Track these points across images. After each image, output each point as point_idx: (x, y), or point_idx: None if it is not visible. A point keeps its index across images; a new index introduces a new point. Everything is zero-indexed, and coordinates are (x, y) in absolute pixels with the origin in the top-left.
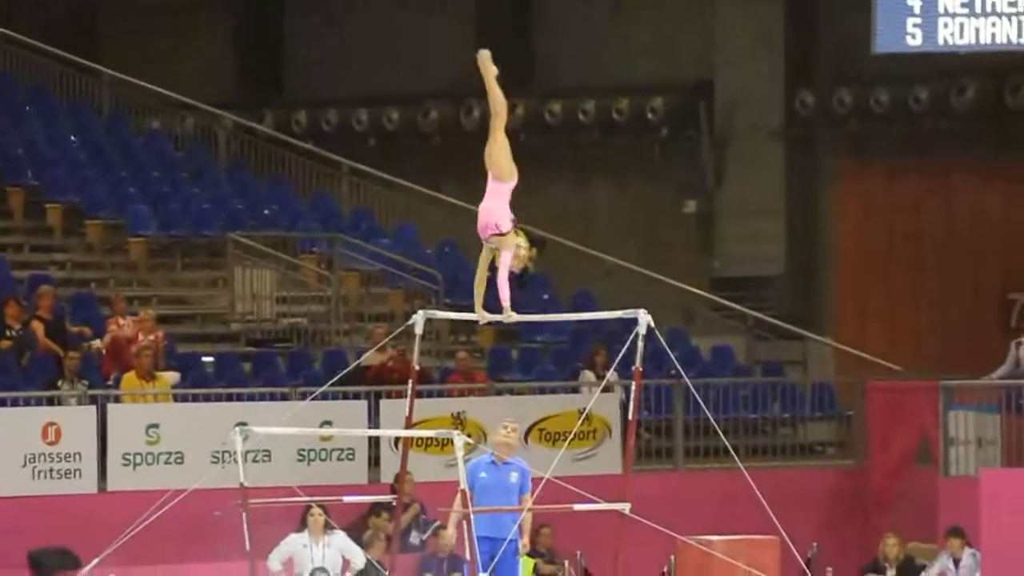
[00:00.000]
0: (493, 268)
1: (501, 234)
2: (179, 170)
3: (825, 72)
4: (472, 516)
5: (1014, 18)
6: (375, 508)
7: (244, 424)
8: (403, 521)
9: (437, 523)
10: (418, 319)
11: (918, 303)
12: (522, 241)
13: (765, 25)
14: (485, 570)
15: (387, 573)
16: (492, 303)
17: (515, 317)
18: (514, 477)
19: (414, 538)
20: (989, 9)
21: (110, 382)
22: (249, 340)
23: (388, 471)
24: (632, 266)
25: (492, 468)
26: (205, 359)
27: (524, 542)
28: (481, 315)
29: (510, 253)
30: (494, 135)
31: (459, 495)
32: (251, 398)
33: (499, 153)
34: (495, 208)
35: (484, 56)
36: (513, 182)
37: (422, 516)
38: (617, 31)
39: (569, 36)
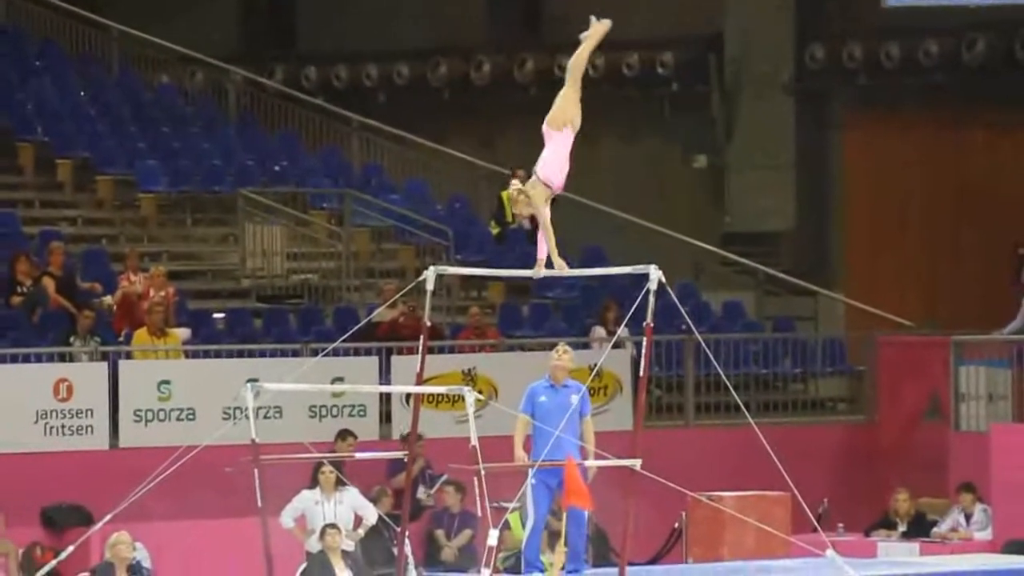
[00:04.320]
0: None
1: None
2: (189, 125)
3: (835, 25)
4: (532, 442)
5: None
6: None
7: (255, 380)
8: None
9: (444, 477)
10: (429, 275)
11: (929, 258)
12: None
13: None
14: (546, 497)
15: (397, 529)
16: (495, 260)
17: (544, 272)
18: (574, 399)
19: (420, 493)
20: None
21: (121, 338)
22: (260, 296)
23: (400, 427)
24: (642, 221)
25: (551, 391)
26: (216, 315)
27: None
28: (561, 264)
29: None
30: (576, 87)
31: (519, 421)
32: (262, 354)
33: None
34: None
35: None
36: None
37: (428, 471)
38: None
39: None
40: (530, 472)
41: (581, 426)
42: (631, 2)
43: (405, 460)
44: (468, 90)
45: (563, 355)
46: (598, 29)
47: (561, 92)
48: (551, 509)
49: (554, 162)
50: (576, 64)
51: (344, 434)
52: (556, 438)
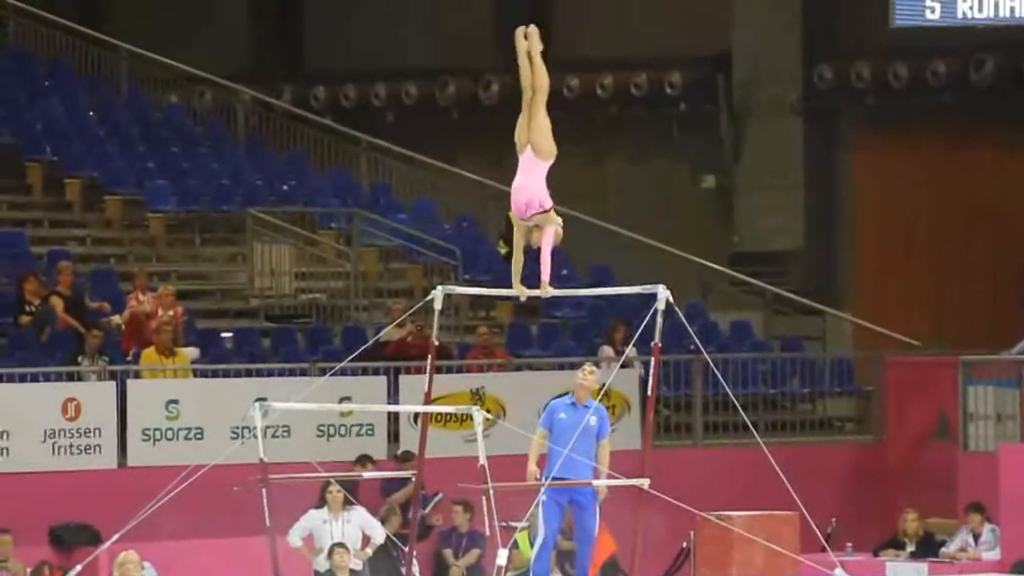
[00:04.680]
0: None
1: (545, 211)
2: (197, 145)
3: (843, 46)
4: (547, 458)
5: None
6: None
7: (264, 400)
8: (402, 496)
9: (439, 497)
10: (437, 295)
11: (937, 277)
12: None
13: None
14: (557, 515)
15: (405, 548)
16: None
17: (552, 292)
18: (593, 420)
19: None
20: None
21: (129, 358)
22: (268, 316)
23: (407, 447)
24: (650, 241)
25: (571, 409)
26: (224, 335)
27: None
28: (520, 290)
29: (553, 229)
30: (536, 112)
31: (536, 435)
32: (270, 374)
33: (545, 131)
34: (534, 185)
35: (534, 32)
36: (551, 160)
37: (421, 491)
38: (635, 4)
39: (587, 9)
40: (542, 488)
41: (597, 447)
42: (640, 22)
43: (409, 479)
44: (476, 110)
45: (589, 375)
46: (521, 41)
47: (541, 117)
48: (561, 528)
49: (514, 190)
50: (523, 88)
51: (364, 460)
52: (571, 457)
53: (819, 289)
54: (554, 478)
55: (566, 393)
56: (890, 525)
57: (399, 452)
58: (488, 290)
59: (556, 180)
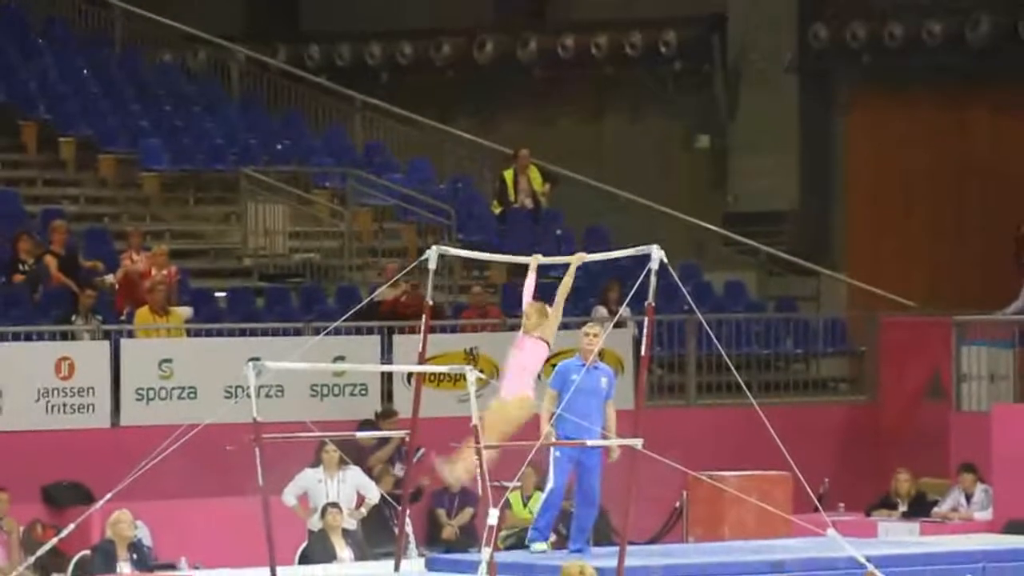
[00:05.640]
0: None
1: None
2: (192, 104)
3: (839, 5)
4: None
5: None
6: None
7: (257, 359)
8: (385, 455)
9: (421, 452)
10: (431, 255)
11: (932, 238)
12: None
13: None
14: (567, 470)
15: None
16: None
17: (541, 259)
18: (604, 382)
19: (397, 470)
20: None
21: (123, 317)
22: (262, 275)
23: (401, 406)
24: (645, 201)
25: (581, 371)
26: (218, 294)
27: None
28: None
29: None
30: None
31: (547, 397)
32: (264, 333)
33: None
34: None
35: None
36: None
37: (404, 448)
38: None
39: None
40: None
41: (605, 408)
42: None
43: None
44: (471, 70)
45: (594, 338)
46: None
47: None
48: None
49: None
50: None
51: (367, 425)
52: (582, 418)
53: (813, 249)
54: (566, 438)
55: (572, 353)
56: (883, 485)
57: (378, 410)
58: (481, 254)
59: (552, 140)
